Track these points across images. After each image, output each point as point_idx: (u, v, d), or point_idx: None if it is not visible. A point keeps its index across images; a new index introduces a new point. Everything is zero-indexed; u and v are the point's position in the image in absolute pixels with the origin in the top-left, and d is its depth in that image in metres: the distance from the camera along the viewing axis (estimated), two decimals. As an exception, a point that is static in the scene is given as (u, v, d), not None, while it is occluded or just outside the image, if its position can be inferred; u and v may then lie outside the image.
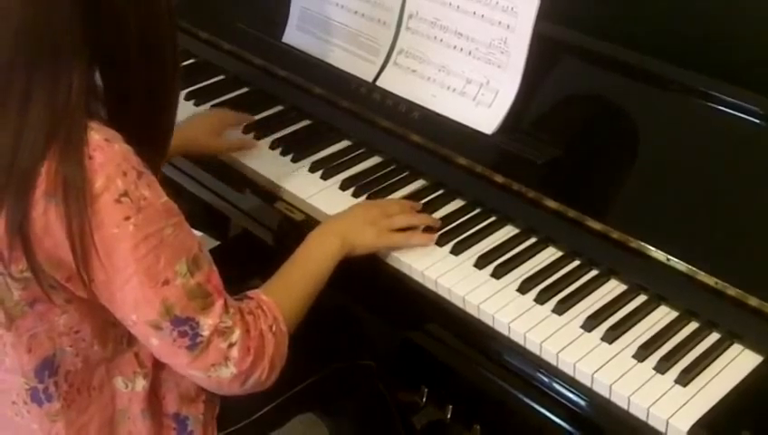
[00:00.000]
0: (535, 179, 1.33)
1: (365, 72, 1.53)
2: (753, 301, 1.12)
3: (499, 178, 1.37)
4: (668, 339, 1.16)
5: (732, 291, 1.14)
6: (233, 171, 1.55)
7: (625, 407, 1.10)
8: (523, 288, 1.25)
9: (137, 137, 1.02)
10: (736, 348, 1.15)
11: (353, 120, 1.55)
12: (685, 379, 1.10)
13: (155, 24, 1.05)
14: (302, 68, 1.62)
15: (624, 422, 1.10)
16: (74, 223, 0.97)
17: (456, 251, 1.31)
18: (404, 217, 1.34)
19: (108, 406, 1.17)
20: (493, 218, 1.37)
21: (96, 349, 1.13)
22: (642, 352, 1.14)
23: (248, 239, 1.60)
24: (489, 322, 1.22)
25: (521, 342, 1.19)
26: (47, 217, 0.98)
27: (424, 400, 1.61)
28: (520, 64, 1.36)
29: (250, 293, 1.17)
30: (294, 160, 1.53)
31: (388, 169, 1.50)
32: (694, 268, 1.17)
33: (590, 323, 1.18)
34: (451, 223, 1.37)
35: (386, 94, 1.50)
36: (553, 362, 1.15)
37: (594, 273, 1.27)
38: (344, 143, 1.56)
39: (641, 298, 1.23)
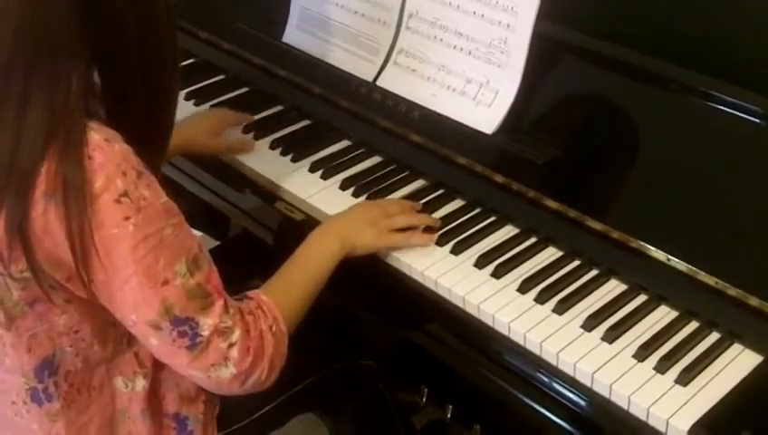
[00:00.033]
0: (535, 179, 1.33)
1: (365, 71, 1.53)
2: (754, 301, 1.12)
3: (499, 178, 1.37)
4: (668, 339, 1.16)
5: (732, 291, 1.14)
6: (233, 171, 1.55)
7: (625, 407, 1.10)
8: (523, 288, 1.24)
9: (136, 137, 1.02)
10: (736, 348, 1.15)
11: (353, 120, 1.55)
12: (685, 379, 1.10)
13: (154, 24, 1.05)
14: (301, 68, 1.62)
15: (624, 422, 1.10)
16: (74, 223, 0.97)
17: (456, 251, 1.31)
18: (404, 218, 1.34)
19: (108, 406, 1.17)
20: (493, 218, 1.37)
21: (96, 349, 1.13)
22: (642, 352, 1.14)
23: (248, 239, 1.59)
24: (489, 322, 1.22)
25: (521, 341, 1.18)
26: (47, 218, 0.98)
27: (424, 400, 1.61)
28: (520, 64, 1.36)
29: (250, 293, 1.17)
30: (294, 160, 1.53)
31: (388, 168, 1.50)
32: (694, 268, 1.17)
33: (591, 323, 1.18)
34: (451, 223, 1.37)
35: (386, 94, 1.49)
36: (553, 362, 1.15)
37: (594, 273, 1.27)
38: (344, 143, 1.56)
39: (641, 298, 1.23)
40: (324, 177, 1.48)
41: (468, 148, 1.40)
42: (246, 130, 1.60)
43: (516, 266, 1.28)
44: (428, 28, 1.46)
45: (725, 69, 1.25)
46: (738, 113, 1.21)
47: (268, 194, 1.49)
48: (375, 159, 1.52)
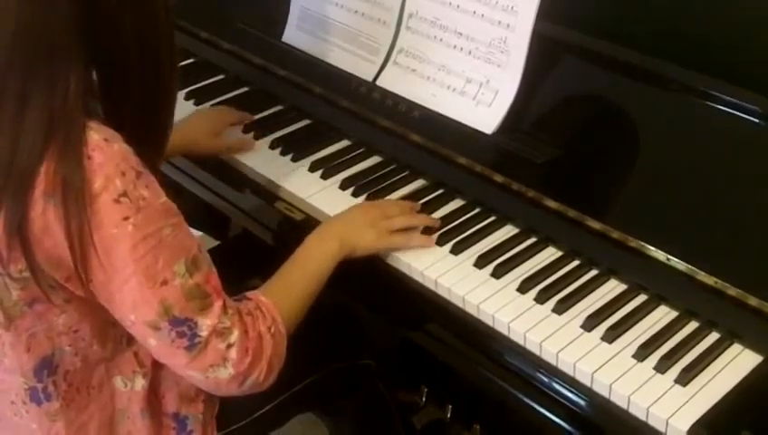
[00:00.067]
0: (535, 179, 1.33)
1: (365, 71, 1.53)
2: (753, 301, 1.12)
3: (499, 178, 1.36)
4: (668, 338, 1.16)
5: (732, 291, 1.14)
6: (233, 171, 1.55)
7: (625, 407, 1.09)
8: (523, 288, 1.24)
9: (135, 136, 1.02)
10: (736, 348, 1.15)
11: (353, 120, 1.55)
12: (685, 378, 1.10)
13: (152, 24, 1.05)
14: (301, 68, 1.62)
15: (624, 422, 1.10)
16: (73, 223, 0.97)
17: (456, 251, 1.31)
18: (403, 219, 1.34)
19: (107, 405, 1.17)
20: (492, 218, 1.37)
21: (95, 348, 1.13)
22: (642, 352, 1.14)
23: (248, 239, 1.59)
24: (489, 321, 1.22)
25: (520, 341, 1.18)
26: (46, 217, 0.97)
27: (424, 399, 1.61)
28: (520, 64, 1.36)
29: (249, 294, 1.17)
30: (294, 160, 1.53)
31: (388, 168, 1.50)
32: (694, 268, 1.17)
33: (590, 323, 1.18)
34: (451, 222, 1.37)
35: (386, 94, 1.49)
36: (553, 362, 1.15)
37: (594, 272, 1.27)
38: (344, 143, 1.56)
39: (641, 298, 1.23)
40: (324, 176, 1.48)
41: (468, 147, 1.40)
42: (246, 130, 1.60)
43: (516, 266, 1.28)
44: (428, 28, 1.46)
45: (725, 69, 1.25)
46: (738, 113, 1.21)
47: (268, 194, 1.49)
48: (375, 159, 1.52)
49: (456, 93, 1.43)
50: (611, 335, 1.16)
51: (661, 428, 1.06)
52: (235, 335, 1.07)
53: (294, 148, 1.54)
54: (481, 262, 1.29)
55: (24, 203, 0.97)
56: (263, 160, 1.53)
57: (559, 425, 1.17)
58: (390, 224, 1.32)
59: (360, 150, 1.54)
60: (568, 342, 1.16)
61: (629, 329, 1.18)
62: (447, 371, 1.34)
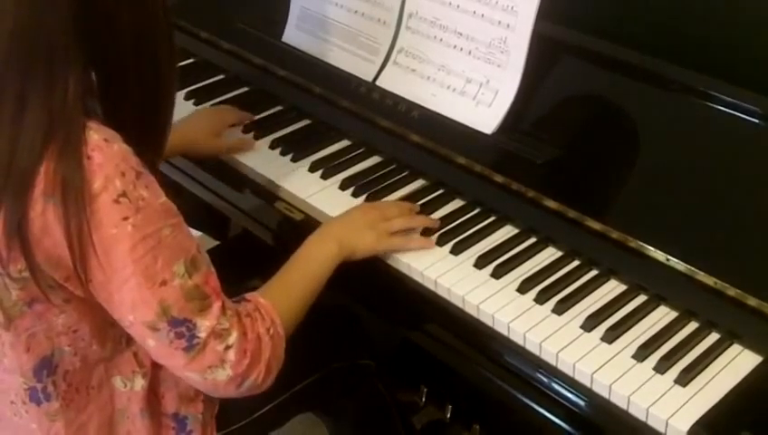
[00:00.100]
0: (535, 179, 1.33)
1: (365, 71, 1.53)
2: (753, 301, 1.12)
3: (499, 178, 1.36)
4: (668, 339, 1.16)
5: (731, 291, 1.14)
6: (232, 171, 1.55)
7: (624, 407, 1.09)
8: (523, 288, 1.24)
9: (133, 136, 1.02)
10: (736, 348, 1.15)
11: (353, 120, 1.55)
12: (684, 379, 1.10)
13: (150, 25, 1.05)
14: (301, 68, 1.61)
15: (624, 422, 1.10)
16: (73, 223, 0.97)
17: (456, 251, 1.31)
18: (403, 220, 1.34)
19: (107, 405, 1.17)
20: (492, 218, 1.37)
21: (95, 348, 1.13)
22: (642, 352, 1.14)
23: (248, 239, 1.59)
24: (489, 322, 1.22)
25: (520, 342, 1.18)
26: (45, 217, 0.97)
27: (424, 399, 1.61)
28: (520, 64, 1.36)
29: (248, 295, 1.17)
30: (294, 160, 1.52)
31: (388, 168, 1.50)
32: (693, 268, 1.17)
33: (590, 323, 1.18)
34: (451, 223, 1.37)
35: (385, 94, 1.49)
36: (553, 362, 1.15)
37: (594, 273, 1.27)
38: (344, 143, 1.56)
39: (641, 298, 1.23)
40: (324, 176, 1.48)
41: (468, 147, 1.40)
42: (246, 130, 1.60)
43: (516, 267, 1.28)
44: (428, 28, 1.46)
45: (725, 69, 1.25)
46: (738, 113, 1.21)
47: (268, 194, 1.49)
48: (375, 159, 1.52)
49: (455, 93, 1.43)
50: (611, 336, 1.16)
51: (661, 428, 1.06)
52: (233, 337, 1.07)
53: (294, 148, 1.54)
54: (481, 262, 1.29)
55: (23, 203, 0.97)
56: (263, 160, 1.53)
57: (558, 425, 1.17)
58: (390, 226, 1.31)
59: (360, 150, 1.54)
60: (568, 342, 1.16)
61: (629, 329, 1.18)
62: (447, 371, 1.34)
